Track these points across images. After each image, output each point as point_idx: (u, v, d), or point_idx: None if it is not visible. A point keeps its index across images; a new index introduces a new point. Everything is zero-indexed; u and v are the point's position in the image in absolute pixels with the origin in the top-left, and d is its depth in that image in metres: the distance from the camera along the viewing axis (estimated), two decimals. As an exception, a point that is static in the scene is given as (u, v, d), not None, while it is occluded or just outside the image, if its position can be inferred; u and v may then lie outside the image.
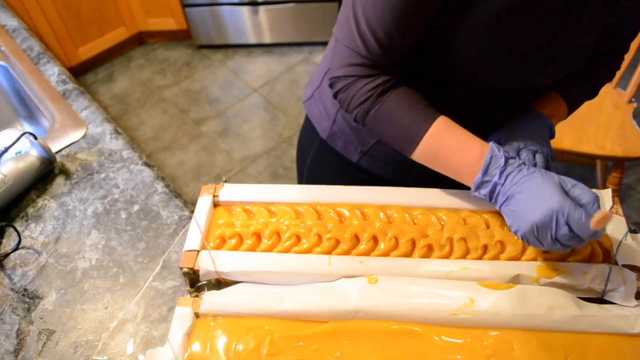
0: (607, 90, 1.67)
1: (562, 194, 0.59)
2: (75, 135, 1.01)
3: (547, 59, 0.69)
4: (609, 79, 0.83)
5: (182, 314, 0.65)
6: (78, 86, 1.12)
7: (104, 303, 0.76)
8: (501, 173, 0.63)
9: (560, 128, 1.58)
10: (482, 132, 0.81)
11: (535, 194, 0.60)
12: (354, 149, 0.89)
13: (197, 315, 0.66)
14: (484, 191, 0.65)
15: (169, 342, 0.63)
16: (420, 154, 0.68)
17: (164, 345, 0.64)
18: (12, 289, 0.79)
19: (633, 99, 1.63)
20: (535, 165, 0.73)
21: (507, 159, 0.64)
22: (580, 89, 0.82)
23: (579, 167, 2.06)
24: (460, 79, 0.71)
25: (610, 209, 0.72)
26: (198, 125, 2.35)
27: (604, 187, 1.70)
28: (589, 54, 0.72)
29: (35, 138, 0.90)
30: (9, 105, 1.23)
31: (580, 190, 0.60)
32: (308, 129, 0.96)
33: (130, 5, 2.51)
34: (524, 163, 0.64)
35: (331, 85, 0.71)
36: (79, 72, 2.60)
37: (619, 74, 1.58)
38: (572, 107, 0.82)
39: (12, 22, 1.29)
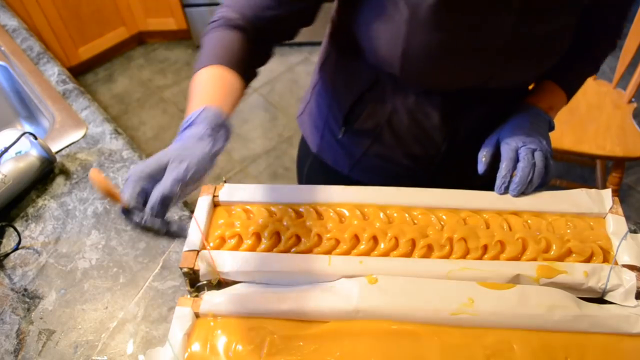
0: (607, 90, 1.67)
1: (148, 166, 0.54)
2: (75, 135, 1.01)
3: (504, 52, 0.67)
4: (611, 50, 0.82)
5: (182, 314, 0.65)
6: (78, 86, 1.12)
7: (104, 303, 0.76)
8: (180, 133, 0.58)
9: (561, 128, 1.58)
10: (476, 131, 0.81)
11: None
12: (344, 162, 0.90)
13: (197, 315, 0.66)
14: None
15: (169, 342, 0.63)
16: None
17: (164, 345, 0.64)
18: (12, 289, 0.79)
19: (633, 99, 1.63)
20: (534, 165, 0.73)
21: (191, 125, 0.58)
22: (579, 70, 0.81)
23: (579, 167, 2.06)
24: (417, 80, 0.72)
25: (610, 209, 0.72)
26: (198, 125, 2.34)
27: (604, 187, 1.70)
28: (568, 39, 0.70)
29: (35, 138, 0.90)
30: (9, 105, 1.23)
31: (166, 175, 0.54)
32: (303, 143, 0.98)
33: (130, 5, 2.51)
34: (199, 138, 0.56)
35: None
36: (79, 72, 2.60)
37: (618, 74, 1.57)
38: (571, 92, 0.81)
39: (12, 22, 1.29)
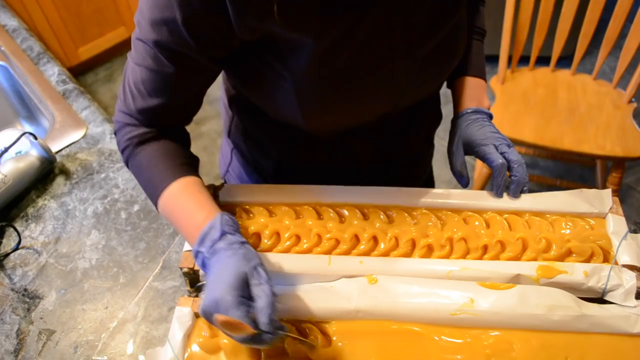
0: (607, 90, 1.67)
1: (233, 287, 0.54)
2: (75, 135, 1.01)
3: (407, 75, 0.67)
4: (482, 5, 0.83)
5: (182, 314, 0.65)
6: (78, 86, 1.12)
7: (104, 303, 0.76)
8: (211, 246, 0.59)
9: (561, 128, 1.58)
10: (407, 141, 0.81)
11: (217, 279, 0.56)
12: (252, 174, 0.89)
13: (197, 315, 0.66)
14: (199, 261, 0.61)
15: (169, 342, 0.63)
16: (161, 210, 0.67)
17: (164, 345, 0.64)
18: (12, 289, 0.79)
19: (633, 99, 1.63)
20: (521, 161, 0.72)
21: (223, 233, 0.60)
22: (474, 48, 0.81)
23: (579, 167, 2.06)
24: (328, 129, 0.72)
25: (610, 209, 0.72)
26: (198, 125, 2.35)
27: (604, 187, 1.70)
28: (463, 34, 0.70)
29: (35, 138, 0.90)
30: (9, 105, 1.23)
31: (260, 292, 0.55)
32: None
33: (130, 5, 2.51)
34: (241, 242, 0.60)
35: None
36: (79, 72, 2.60)
37: (618, 74, 1.58)
38: (482, 71, 0.81)
39: (12, 22, 1.29)
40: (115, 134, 0.71)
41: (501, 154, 0.73)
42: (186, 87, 0.65)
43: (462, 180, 0.78)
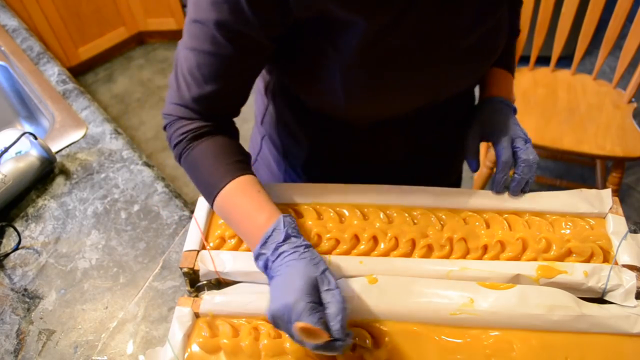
0: (607, 90, 1.67)
1: (305, 293, 0.53)
2: (75, 135, 1.01)
3: (451, 66, 0.67)
4: (520, 5, 0.83)
5: (182, 314, 0.65)
6: (78, 86, 1.12)
7: (104, 303, 0.76)
8: (275, 249, 0.58)
9: (561, 128, 1.58)
10: (437, 136, 0.81)
11: (285, 283, 0.55)
12: (280, 166, 0.89)
13: (197, 315, 0.66)
14: (260, 263, 0.60)
15: (169, 342, 0.63)
16: (217, 209, 0.66)
17: (164, 345, 0.64)
18: (12, 289, 0.79)
19: (633, 99, 1.63)
20: (530, 160, 0.72)
21: (288, 236, 0.59)
22: (508, 47, 0.81)
23: (579, 167, 2.06)
24: (367, 117, 0.71)
25: (610, 209, 0.72)
26: (198, 125, 2.34)
27: (604, 187, 1.70)
28: (503, 32, 0.70)
29: (35, 138, 0.90)
30: (9, 105, 1.24)
31: (331, 298, 0.55)
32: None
33: (130, 5, 2.52)
34: (306, 246, 0.59)
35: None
36: (79, 72, 2.60)
37: (618, 74, 1.58)
38: (513, 68, 0.82)
39: (12, 22, 1.29)
40: (165, 128, 0.69)
41: (515, 148, 0.73)
42: (241, 71, 0.64)
43: (473, 163, 0.78)
